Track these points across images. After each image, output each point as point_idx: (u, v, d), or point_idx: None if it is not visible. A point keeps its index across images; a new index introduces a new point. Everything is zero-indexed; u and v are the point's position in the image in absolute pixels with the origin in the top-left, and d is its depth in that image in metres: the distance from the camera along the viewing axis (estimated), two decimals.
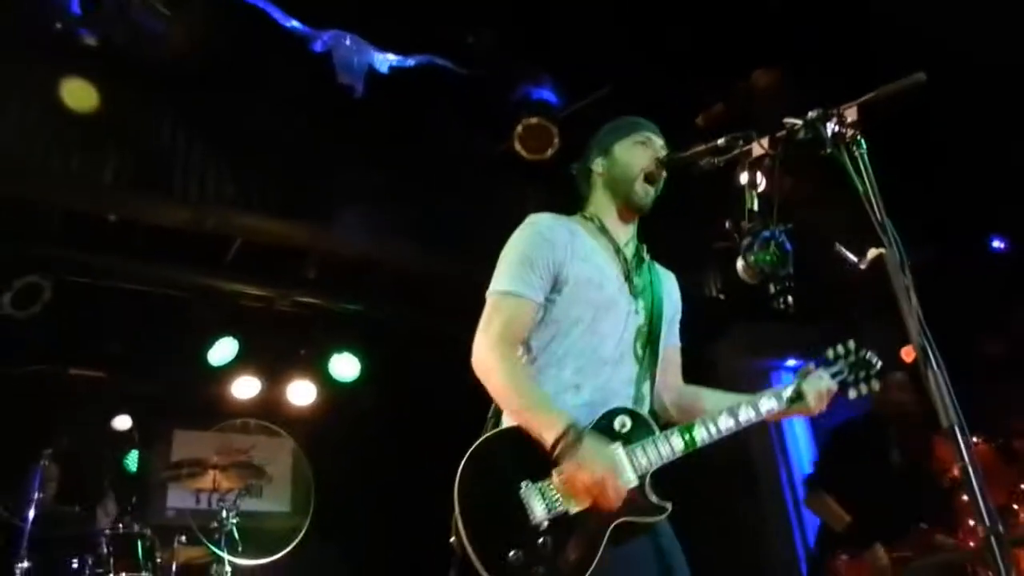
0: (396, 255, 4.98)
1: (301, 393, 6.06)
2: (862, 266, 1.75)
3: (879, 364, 2.16)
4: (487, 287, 2.09)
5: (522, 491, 1.83)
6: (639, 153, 2.21)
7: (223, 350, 5.51)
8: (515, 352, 2.03)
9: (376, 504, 6.05)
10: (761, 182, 2.09)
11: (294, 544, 5.11)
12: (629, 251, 2.22)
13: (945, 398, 1.55)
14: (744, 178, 2.07)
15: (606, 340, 2.06)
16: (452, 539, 1.82)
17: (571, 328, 2.05)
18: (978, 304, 5.17)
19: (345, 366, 5.94)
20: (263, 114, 4.41)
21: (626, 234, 2.24)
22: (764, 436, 5.89)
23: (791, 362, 5.94)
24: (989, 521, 1.36)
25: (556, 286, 2.05)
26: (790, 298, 5.66)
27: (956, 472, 5.80)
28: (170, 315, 5.42)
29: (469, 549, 1.76)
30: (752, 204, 2.13)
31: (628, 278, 2.15)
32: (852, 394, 2.15)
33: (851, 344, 2.19)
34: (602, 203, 2.24)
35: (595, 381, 2.02)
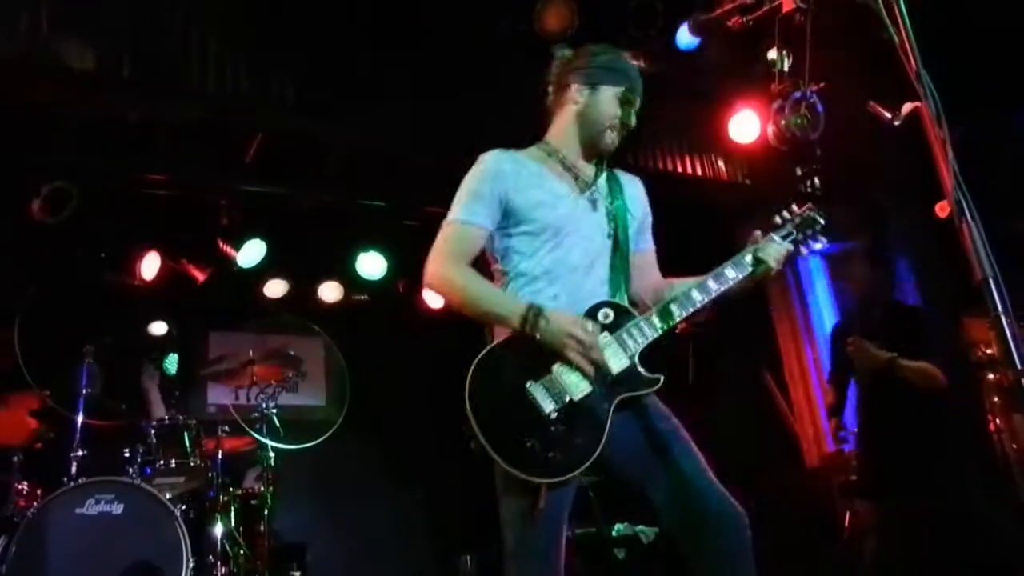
0: (420, 149, 4.94)
1: (330, 292, 6.16)
2: (896, 122, 1.73)
3: (823, 220, 2.33)
4: None
5: (527, 389, 2.03)
6: (617, 109, 2.31)
7: (251, 252, 5.56)
8: (464, 265, 2.20)
9: (408, 397, 6.25)
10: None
11: (330, 433, 5.31)
12: (583, 168, 2.34)
13: (980, 251, 1.56)
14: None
15: (572, 251, 2.22)
16: (472, 444, 1.99)
17: (536, 249, 2.22)
18: (1008, 182, 5.07)
19: (372, 264, 6.01)
20: (278, 6, 4.32)
21: (582, 156, 2.36)
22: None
23: (817, 245, 5.89)
24: (1022, 364, 1.39)
25: (510, 214, 2.22)
26: (816, 180, 5.62)
27: (984, 351, 5.80)
28: (199, 218, 5.46)
29: (488, 447, 1.95)
30: (782, 65, 2.09)
31: (584, 190, 2.30)
32: (804, 251, 2.33)
33: (794, 207, 2.37)
34: (564, 130, 2.36)
35: (568, 287, 2.19)
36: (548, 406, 2.01)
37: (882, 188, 5.75)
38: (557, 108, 2.39)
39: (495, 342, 2.13)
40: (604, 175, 2.38)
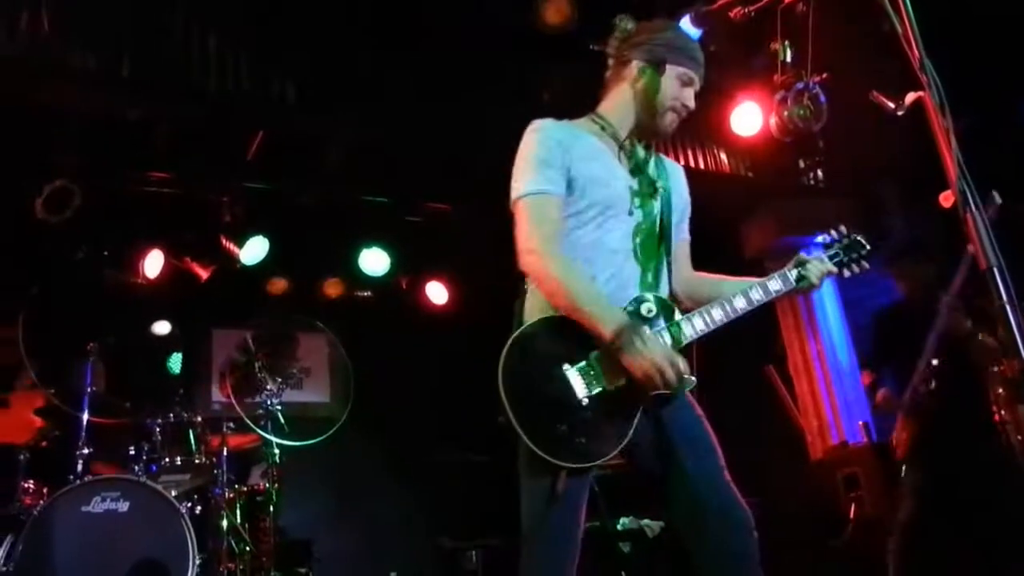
0: (422, 145, 4.93)
1: (333, 288, 6.17)
2: (899, 112, 1.72)
3: (869, 246, 2.37)
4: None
5: (563, 373, 1.99)
6: (679, 90, 2.23)
7: (254, 249, 5.57)
8: (560, 248, 2.09)
9: (412, 393, 6.26)
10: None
11: (335, 430, 5.31)
12: (635, 148, 2.27)
13: (984, 240, 1.55)
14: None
15: (612, 233, 2.15)
16: (500, 418, 1.97)
17: (579, 225, 2.14)
18: (1015, 172, 5.05)
19: (374, 260, 6.01)
20: (278, 4, 4.31)
21: (635, 135, 2.28)
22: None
23: (821, 238, 5.88)
24: None
25: (568, 186, 2.13)
26: (819, 172, 5.62)
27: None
28: (201, 216, 5.46)
29: (516, 425, 1.93)
30: (784, 56, 2.09)
31: (635, 173, 2.23)
32: (846, 273, 2.36)
33: (843, 229, 2.38)
34: (620, 107, 2.27)
35: (608, 270, 2.12)
36: (581, 391, 1.98)
37: (885, 180, 5.74)
38: (614, 83, 2.29)
39: (530, 320, 2.08)
40: (653, 159, 2.31)
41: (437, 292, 6.50)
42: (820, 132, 4.49)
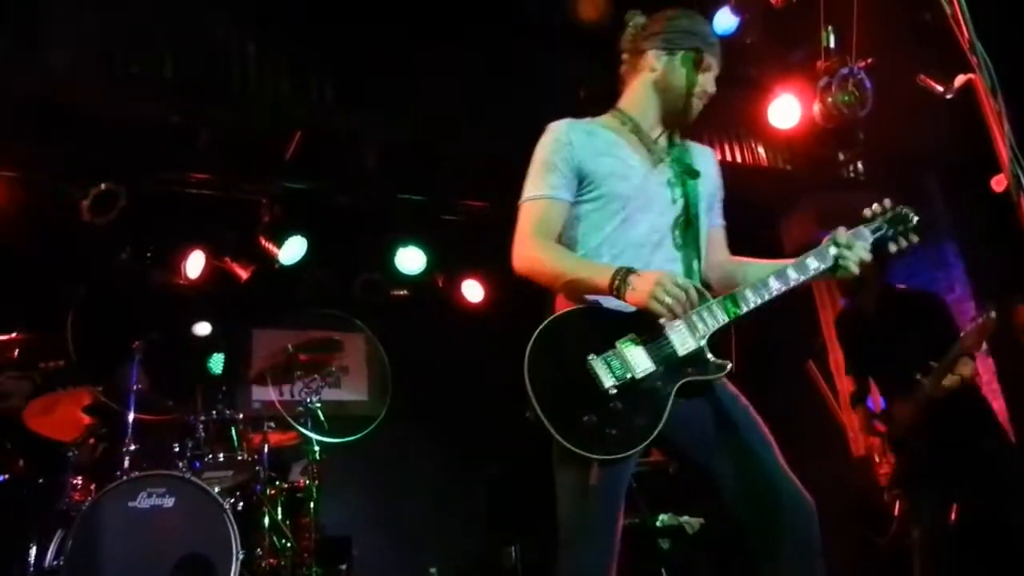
0: (458, 143, 4.95)
1: (372, 287, 6.22)
2: (948, 95, 1.68)
3: (916, 218, 2.21)
4: None
5: (588, 363, 1.95)
6: (698, 76, 2.22)
7: (293, 248, 5.62)
8: (548, 240, 2.12)
9: (449, 390, 6.28)
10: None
11: (374, 427, 5.36)
12: (658, 138, 2.25)
13: None
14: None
15: (639, 225, 2.14)
16: (527, 413, 1.93)
17: (604, 221, 2.14)
18: None
19: (411, 259, 6.04)
20: (316, 6, 4.36)
21: (660, 129, 2.27)
22: None
23: (906, 244, 5.79)
24: None
25: (583, 184, 2.15)
26: (859, 165, 5.52)
27: None
28: (241, 216, 5.54)
29: (544, 418, 1.90)
30: (828, 42, 2.05)
31: (658, 164, 2.21)
32: (892, 248, 2.20)
33: (887, 202, 2.23)
34: (641, 98, 2.26)
35: (635, 263, 2.07)
36: (608, 381, 1.94)
37: (928, 171, 5.62)
38: (631, 76, 2.29)
39: (557, 312, 2.08)
40: (678, 147, 2.29)
41: (473, 290, 6.52)
42: (860, 123, 4.41)
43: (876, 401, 4.16)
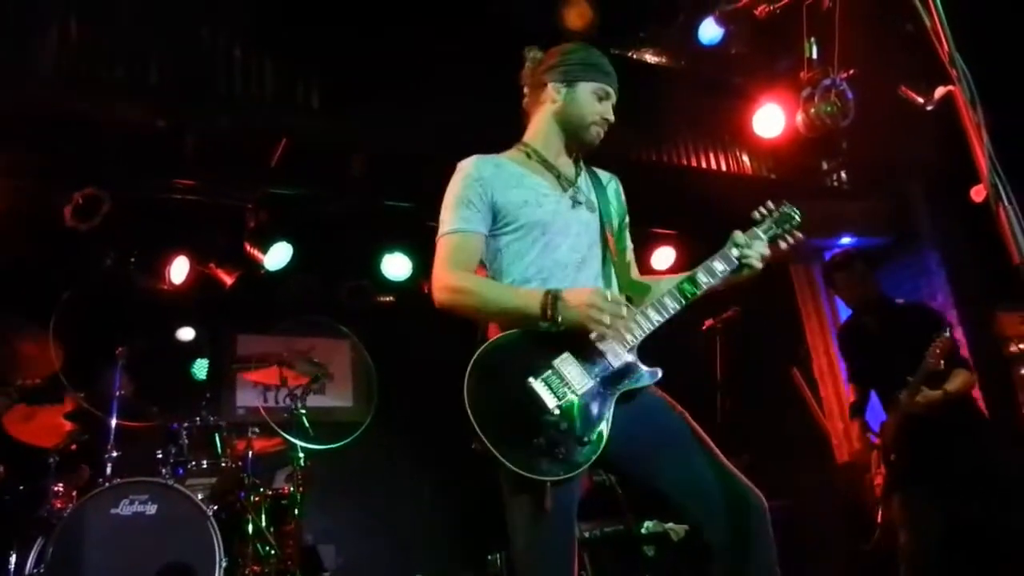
0: (444, 150, 4.94)
1: (357, 292, 6.21)
2: (929, 107, 1.70)
3: (798, 216, 2.36)
4: None
5: (529, 386, 1.99)
6: (597, 104, 2.31)
7: (278, 254, 5.60)
8: (468, 272, 2.16)
9: (434, 397, 6.26)
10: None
11: (359, 433, 5.34)
12: (564, 166, 2.33)
13: (1018, 235, 1.53)
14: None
15: (560, 248, 2.21)
16: (474, 445, 1.96)
17: (526, 248, 2.20)
18: None
19: (397, 265, 6.03)
20: (301, 12, 4.36)
21: (564, 157, 2.36)
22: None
23: (845, 240, 5.84)
24: None
25: (498, 218, 2.20)
26: (843, 174, 5.59)
27: (1018, 346, 5.78)
28: (226, 222, 5.51)
29: (491, 448, 1.91)
30: (811, 53, 2.08)
31: (567, 188, 2.29)
32: (783, 245, 2.34)
33: (770, 203, 2.39)
34: (544, 130, 2.35)
35: (563, 284, 2.14)
36: (551, 402, 1.97)
37: (911, 180, 5.68)
38: (534, 108, 2.39)
39: (490, 339, 2.10)
40: (582, 173, 2.39)
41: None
42: (843, 132, 4.46)
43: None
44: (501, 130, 4.56)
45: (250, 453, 4.42)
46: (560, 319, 1.99)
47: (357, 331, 6.54)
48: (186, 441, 4.18)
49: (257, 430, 4.62)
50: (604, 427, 2.00)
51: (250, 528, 4.24)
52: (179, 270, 5.54)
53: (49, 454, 3.99)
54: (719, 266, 2.23)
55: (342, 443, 5.11)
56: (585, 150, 2.39)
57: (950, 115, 1.65)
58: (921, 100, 1.75)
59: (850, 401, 4.39)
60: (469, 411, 1.95)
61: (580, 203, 2.29)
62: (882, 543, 4.07)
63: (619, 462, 2.10)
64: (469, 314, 2.17)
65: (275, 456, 4.85)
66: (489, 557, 4.99)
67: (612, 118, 2.34)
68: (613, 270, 2.29)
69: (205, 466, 4.24)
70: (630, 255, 2.46)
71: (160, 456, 4.12)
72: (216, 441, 4.28)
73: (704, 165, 5.36)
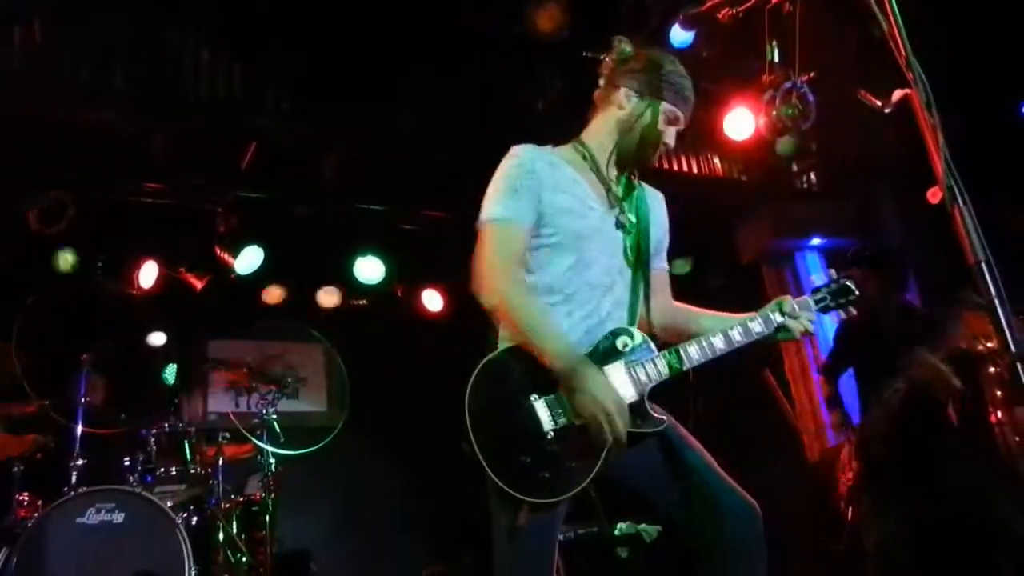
0: (417, 153, 4.94)
1: (328, 297, 6.18)
2: (887, 109, 1.73)
3: (857, 292, 2.29)
4: None
5: (530, 404, 1.96)
6: (665, 127, 2.20)
7: (249, 258, 5.55)
8: (522, 274, 2.08)
9: (408, 401, 6.24)
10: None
11: (332, 438, 5.30)
12: (615, 178, 2.24)
13: (973, 235, 1.56)
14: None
15: (592, 267, 2.12)
16: (463, 444, 1.93)
17: (557, 258, 2.11)
18: (1007, 175, 5.07)
19: (370, 268, 6.01)
20: (270, 14, 4.33)
21: (616, 165, 2.25)
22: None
23: (815, 241, 5.91)
24: (1015, 347, 1.39)
25: (539, 216, 2.10)
26: (812, 176, 5.64)
27: (984, 344, 5.84)
28: (196, 226, 5.46)
29: (478, 452, 1.88)
30: (772, 56, 2.09)
31: (614, 205, 2.19)
32: (829, 315, 2.32)
33: (832, 273, 2.36)
34: (603, 133, 2.24)
35: (586, 306, 2.09)
36: (548, 424, 1.93)
37: (879, 182, 5.76)
38: (601, 104, 2.26)
39: (504, 346, 2.04)
40: (633, 189, 2.28)
41: (433, 300, 6.50)
42: (813, 134, 4.51)
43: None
44: (473, 135, 4.60)
45: (221, 459, 4.37)
46: (569, 393, 1.93)
47: (330, 335, 6.50)
48: (154, 448, 4.12)
49: (228, 436, 4.57)
50: (595, 462, 1.94)
51: (221, 535, 4.19)
52: (148, 275, 5.49)
53: (13, 462, 3.91)
54: (757, 327, 2.16)
55: (314, 448, 5.08)
56: (639, 167, 2.27)
57: (913, 118, 1.67)
58: (879, 104, 1.77)
59: (826, 394, 4.38)
60: (466, 409, 1.91)
61: (623, 225, 2.19)
62: (852, 542, 4.11)
63: (618, 483, 2.09)
64: (506, 322, 2.07)
65: (246, 462, 4.80)
66: (463, 563, 4.99)
67: (672, 144, 2.23)
68: (641, 299, 2.19)
69: (174, 473, 4.19)
70: (664, 276, 2.36)
71: (128, 463, 4.06)
72: (185, 447, 4.23)
73: (676, 168, 5.40)
